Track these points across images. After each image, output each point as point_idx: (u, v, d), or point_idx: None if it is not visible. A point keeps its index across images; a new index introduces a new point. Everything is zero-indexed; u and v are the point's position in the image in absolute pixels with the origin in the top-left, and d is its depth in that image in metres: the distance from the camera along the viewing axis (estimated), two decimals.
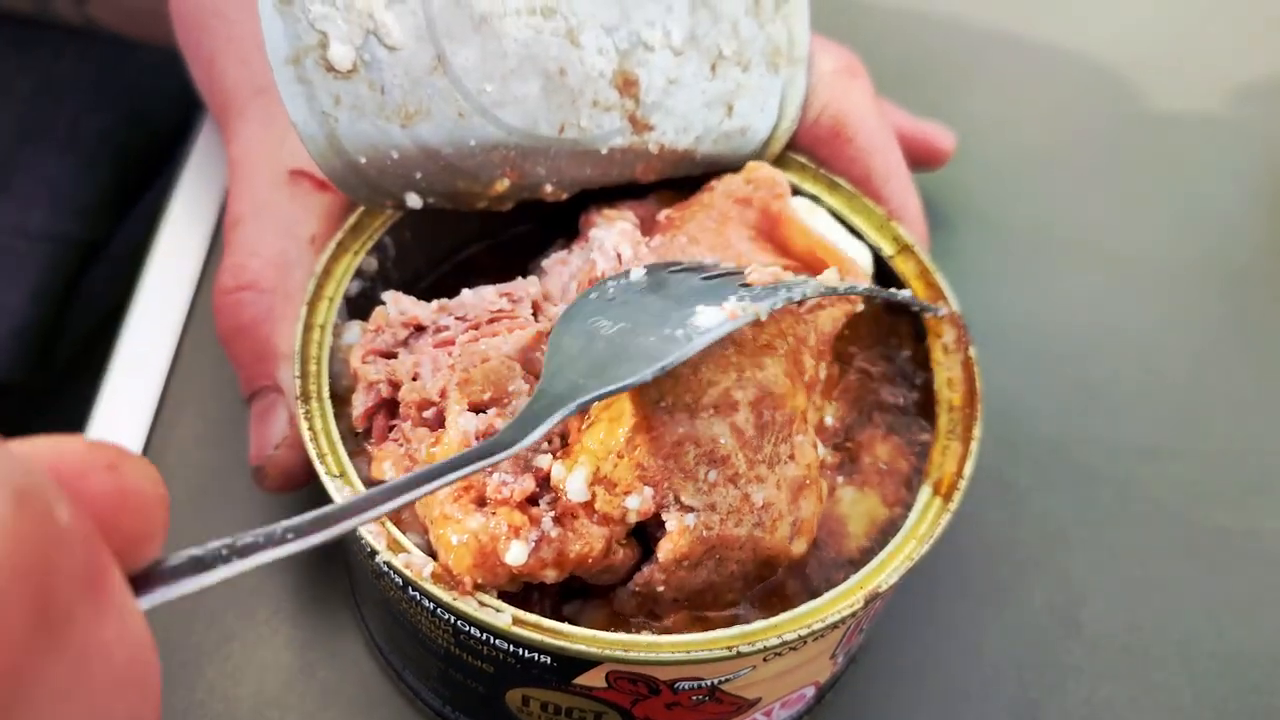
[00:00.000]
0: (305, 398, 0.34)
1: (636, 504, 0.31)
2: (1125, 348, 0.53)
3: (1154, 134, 0.63)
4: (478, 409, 0.32)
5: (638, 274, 0.35)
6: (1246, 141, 0.63)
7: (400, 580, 0.32)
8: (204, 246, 0.54)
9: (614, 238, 0.39)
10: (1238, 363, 0.53)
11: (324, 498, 0.40)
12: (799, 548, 0.33)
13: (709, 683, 0.32)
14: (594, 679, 0.32)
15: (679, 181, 0.42)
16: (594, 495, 0.31)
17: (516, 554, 0.30)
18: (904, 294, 0.38)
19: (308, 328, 0.36)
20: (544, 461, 0.32)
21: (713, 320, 0.31)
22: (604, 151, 0.40)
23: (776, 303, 0.32)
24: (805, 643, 0.32)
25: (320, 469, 0.33)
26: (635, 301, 0.33)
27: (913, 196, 0.43)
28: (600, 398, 0.29)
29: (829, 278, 0.36)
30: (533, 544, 0.30)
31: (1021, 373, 0.51)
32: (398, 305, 0.36)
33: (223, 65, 0.45)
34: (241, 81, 0.44)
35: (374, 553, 0.32)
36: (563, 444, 0.33)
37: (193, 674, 0.40)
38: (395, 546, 0.31)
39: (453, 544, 0.30)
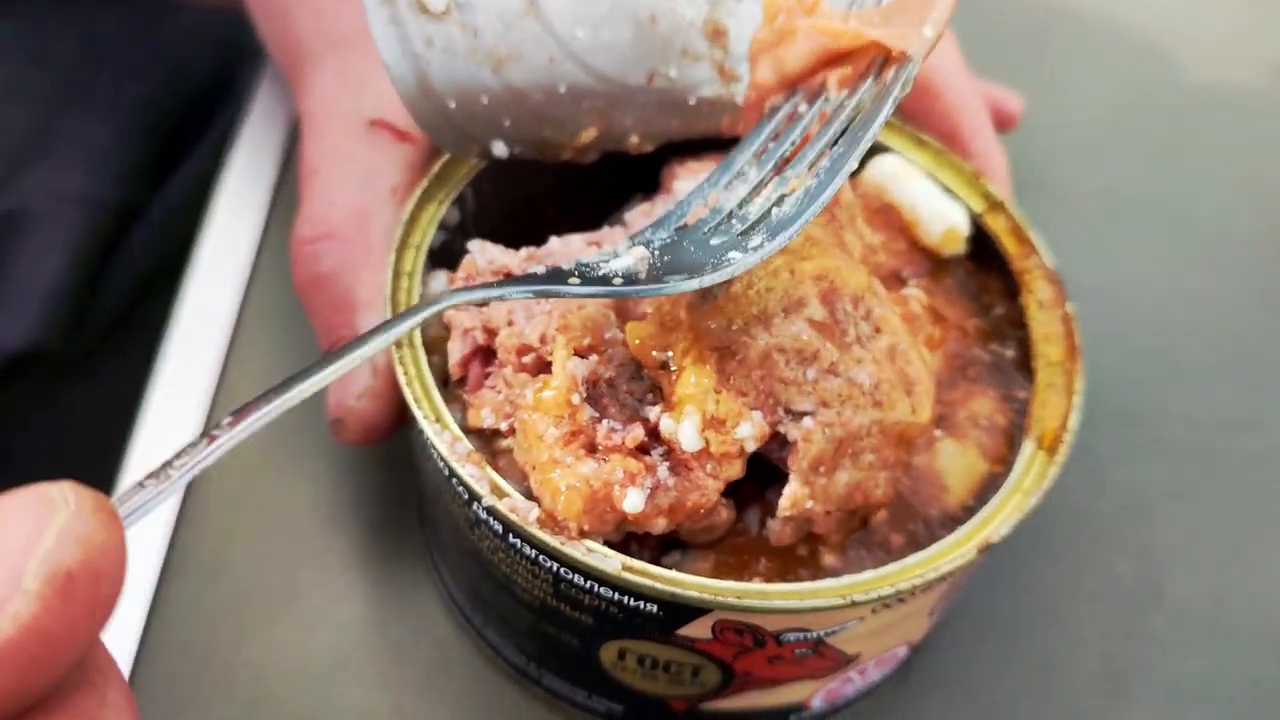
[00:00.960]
0: (398, 344, 0.34)
1: (750, 430, 0.30)
2: (1197, 318, 0.52)
3: (1218, 107, 0.62)
4: (580, 355, 0.32)
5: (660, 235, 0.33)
6: None
7: (500, 527, 0.31)
8: (264, 207, 0.53)
9: None
10: None
11: (400, 448, 0.40)
12: (923, 413, 0.32)
13: (816, 635, 0.31)
14: (699, 629, 0.31)
15: None
16: (707, 441, 0.30)
17: (634, 501, 0.29)
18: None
19: (396, 274, 0.36)
20: (651, 413, 0.31)
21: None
22: (691, 102, 0.39)
23: (800, 224, 0.30)
24: (915, 594, 0.31)
25: (418, 413, 0.32)
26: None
27: (998, 154, 0.42)
28: (641, 294, 0.29)
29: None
30: (648, 491, 0.29)
31: (1095, 341, 0.50)
32: (485, 254, 0.36)
33: (295, 18, 0.44)
34: (315, 34, 0.44)
35: (473, 499, 0.31)
36: (662, 397, 0.32)
37: (265, 628, 0.40)
38: (498, 492, 0.31)
39: (562, 489, 0.29)
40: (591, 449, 0.30)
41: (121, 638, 0.39)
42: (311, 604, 0.41)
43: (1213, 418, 0.49)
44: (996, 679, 0.40)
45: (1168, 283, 0.53)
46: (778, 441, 0.31)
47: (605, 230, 0.38)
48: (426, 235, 0.37)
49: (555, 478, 0.30)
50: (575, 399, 0.30)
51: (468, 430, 0.33)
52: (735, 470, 0.31)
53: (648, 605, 0.30)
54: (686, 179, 0.39)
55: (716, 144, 0.41)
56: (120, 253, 0.78)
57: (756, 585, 0.30)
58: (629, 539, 0.32)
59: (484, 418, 0.33)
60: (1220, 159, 0.59)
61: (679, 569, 0.32)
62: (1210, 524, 0.45)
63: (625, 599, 0.30)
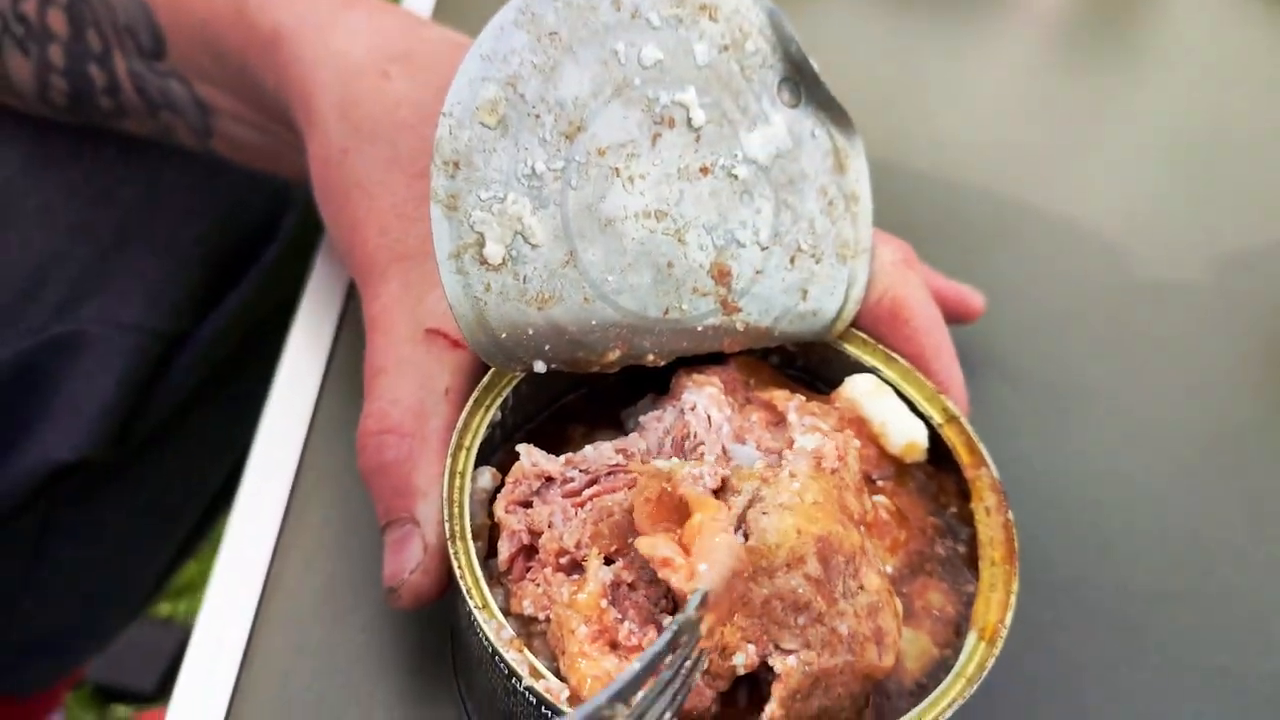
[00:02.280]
0: (452, 538, 0.41)
1: (742, 660, 0.37)
2: (1135, 498, 0.60)
3: (1159, 300, 0.71)
4: (608, 560, 0.39)
5: None
6: (1242, 308, 0.71)
7: (535, 700, 0.38)
8: (314, 393, 0.60)
9: (704, 401, 0.46)
10: (1236, 514, 0.60)
11: (446, 615, 0.46)
12: (888, 660, 0.39)
13: None
14: None
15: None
16: (711, 662, 0.37)
17: None
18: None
19: (451, 475, 0.43)
20: (665, 620, 0.38)
21: None
22: (699, 329, 0.47)
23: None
24: None
25: (471, 603, 0.39)
26: None
27: (957, 372, 0.50)
28: None
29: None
30: None
31: (1041, 518, 0.58)
32: (530, 457, 0.43)
33: (365, 233, 0.52)
34: (382, 248, 0.51)
35: (513, 676, 0.38)
36: (675, 607, 0.39)
37: None
38: (536, 674, 0.38)
39: (588, 678, 0.36)
40: (613, 646, 0.37)
41: None
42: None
43: (1143, 590, 0.56)
44: None
45: (1108, 465, 0.61)
46: (764, 666, 0.38)
47: (630, 437, 0.45)
48: (477, 437, 0.45)
49: (582, 667, 0.37)
50: (604, 603, 0.37)
51: (509, 613, 0.40)
52: (725, 686, 0.38)
53: None
54: (694, 390, 0.47)
55: (718, 358, 0.49)
56: (166, 376, 0.86)
57: None
58: None
59: (525, 606, 0.40)
60: (1157, 351, 0.68)
61: None
62: (1140, 688, 0.52)
63: None
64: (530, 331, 0.44)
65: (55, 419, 0.80)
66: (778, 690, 0.38)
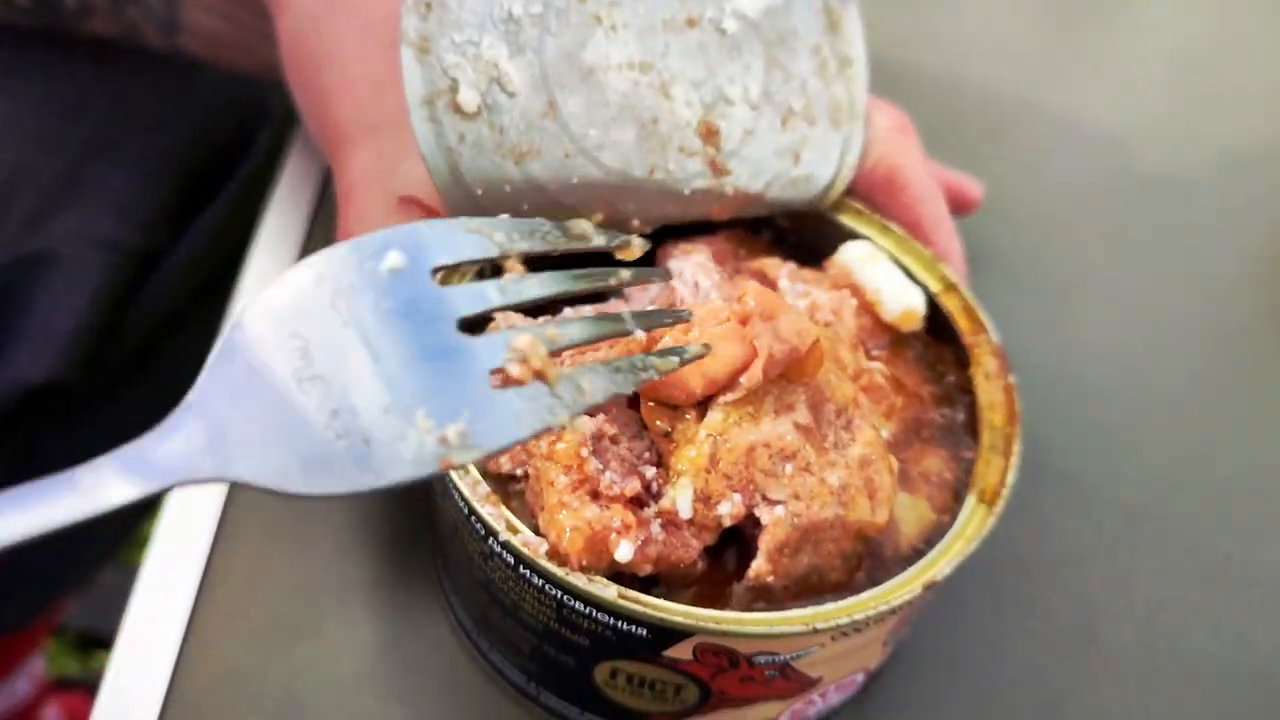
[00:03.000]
0: None
1: (728, 509, 0.35)
2: (1138, 389, 0.58)
3: (1163, 197, 0.69)
4: (589, 413, 0.37)
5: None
6: (1246, 207, 0.69)
7: (513, 560, 0.36)
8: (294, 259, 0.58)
9: (691, 268, 0.44)
10: (1240, 405, 0.58)
11: (414, 493, 0.44)
12: (881, 516, 0.37)
13: (783, 658, 0.36)
14: (683, 651, 0.36)
15: (745, 220, 0.47)
16: (696, 510, 0.35)
17: (624, 551, 0.35)
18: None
19: None
20: (649, 471, 0.36)
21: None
22: (686, 192, 0.45)
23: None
24: (870, 625, 0.36)
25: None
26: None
27: (956, 241, 0.48)
28: None
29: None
30: (639, 544, 0.35)
31: (1041, 409, 0.56)
32: (507, 321, 0.41)
33: (336, 104, 0.50)
34: (354, 118, 0.49)
35: (490, 534, 0.36)
36: (659, 460, 0.38)
37: (292, 648, 0.44)
38: (512, 529, 0.36)
39: (566, 529, 0.35)
40: (595, 496, 0.35)
41: (159, 656, 0.44)
42: (334, 626, 0.45)
43: (1145, 479, 0.54)
44: (945, 706, 0.45)
45: (1111, 358, 0.59)
46: (751, 520, 0.36)
47: (613, 302, 0.43)
48: None
49: (562, 518, 0.35)
50: (584, 452, 0.35)
51: (486, 474, 0.38)
52: (712, 539, 0.36)
53: (639, 629, 0.35)
54: (681, 259, 0.45)
55: (706, 228, 0.47)
56: (141, 296, 0.83)
57: (734, 613, 0.35)
58: (618, 575, 0.38)
59: (503, 463, 0.38)
60: (1167, 244, 0.66)
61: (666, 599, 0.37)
62: (1139, 576, 0.51)
63: (619, 623, 0.35)
64: (508, 188, 0.42)
65: (27, 339, 0.78)
66: (764, 543, 0.36)
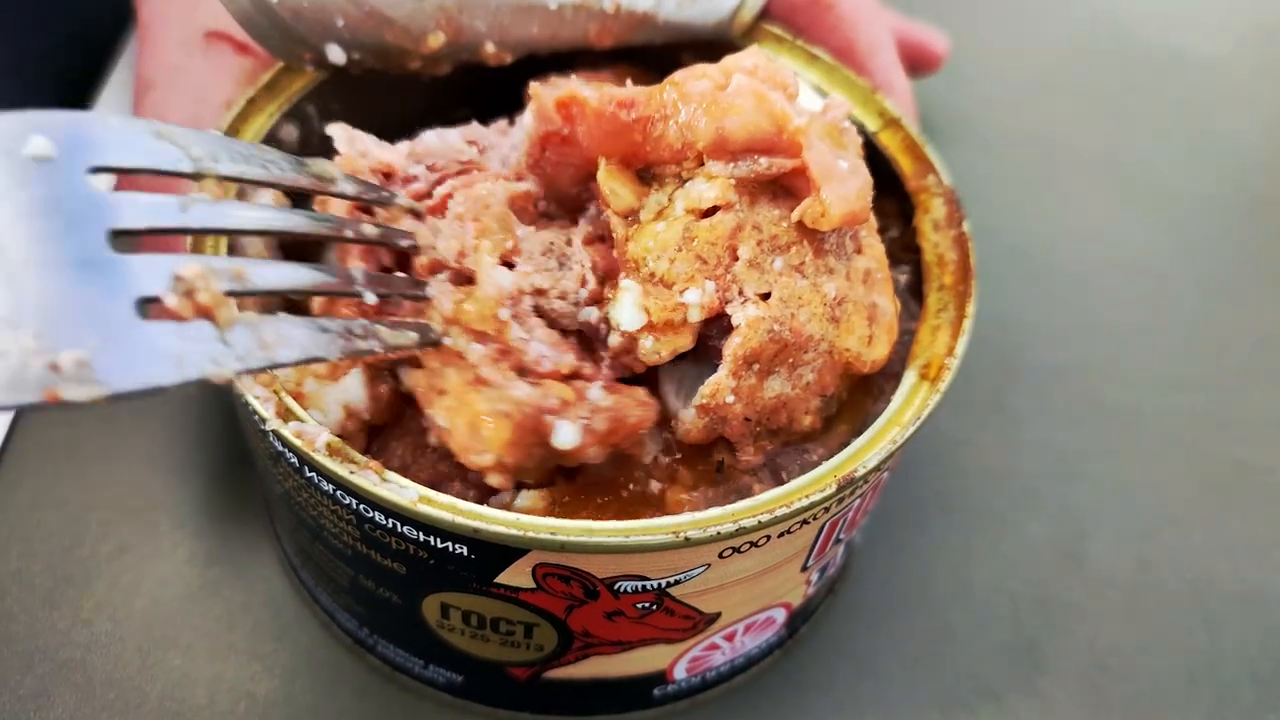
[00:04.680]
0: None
1: (697, 298, 0.27)
2: (1134, 274, 0.49)
3: (1170, 66, 0.59)
4: (507, 263, 0.28)
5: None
6: (1266, 78, 0.59)
7: (296, 460, 0.27)
8: None
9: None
10: (1253, 294, 0.49)
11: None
12: (879, 351, 0.29)
13: (655, 584, 0.27)
14: (519, 576, 0.27)
15: (638, 53, 0.38)
16: (648, 312, 0.27)
17: (566, 435, 0.26)
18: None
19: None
20: (591, 314, 0.28)
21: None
22: (553, 7, 0.35)
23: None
24: (768, 538, 0.27)
25: None
26: None
27: (898, 70, 0.39)
28: None
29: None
30: (581, 424, 0.26)
31: (1021, 296, 0.47)
32: (355, 145, 0.32)
33: None
34: None
35: (262, 422, 0.27)
36: (599, 283, 0.29)
37: (79, 589, 0.36)
38: (286, 415, 0.27)
39: (485, 417, 0.26)
40: (521, 371, 0.27)
41: None
42: (134, 562, 0.37)
43: (1143, 377, 0.45)
44: (894, 650, 0.36)
45: (1100, 239, 0.50)
46: (719, 327, 0.28)
47: (481, 127, 0.34)
48: None
49: (476, 401, 0.26)
50: (503, 314, 0.27)
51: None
52: (684, 341, 0.27)
53: (456, 546, 0.26)
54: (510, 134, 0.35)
55: (583, 59, 0.37)
56: None
57: (576, 522, 0.26)
58: (450, 479, 0.29)
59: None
60: (1166, 116, 0.56)
61: (507, 509, 0.28)
62: (1136, 485, 0.42)
63: (431, 539, 0.26)
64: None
65: None
66: (731, 348, 0.27)
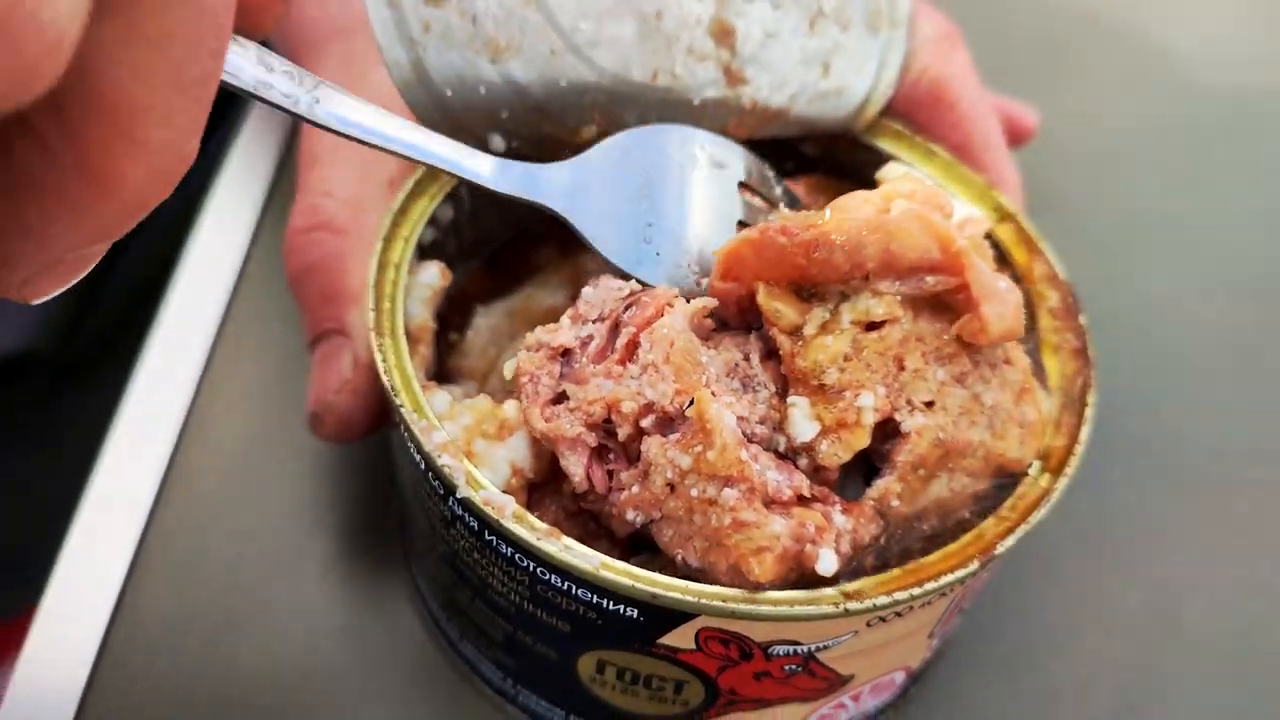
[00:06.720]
0: (379, 332, 0.32)
1: (871, 401, 0.29)
2: (1215, 344, 0.51)
3: (1243, 128, 0.61)
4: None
5: None
6: None
7: (476, 524, 0.30)
8: (259, 203, 0.52)
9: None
10: None
11: (380, 446, 0.38)
12: (1028, 454, 0.32)
13: (806, 649, 0.29)
14: (683, 638, 0.29)
15: (767, 143, 0.40)
16: (820, 420, 0.29)
17: (827, 563, 0.28)
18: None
19: (382, 265, 0.35)
20: (782, 441, 0.31)
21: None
22: (696, 103, 0.38)
23: None
24: (911, 609, 0.29)
25: (395, 400, 0.31)
26: None
27: (1011, 166, 0.41)
28: None
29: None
30: (834, 545, 0.29)
31: (1109, 364, 0.49)
32: (528, 341, 0.33)
33: (300, 5, 0.44)
34: (319, 21, 0.43)
35: (449, 493, 0.30)
36: (775, 394, 0.31)
37: (233, 635, 0.38)
38: (474, 484, 0.29)
39: (752, 556, 0.28)
40: (767, 503, 0.29)
41: (84, 639, 0.38)
42: (283, 611, 0.39)
43: (1232, 446, 0.47)
44: (1001, 712, 0.38)
45: (1186, 306, 0.52)
46: (887, 432, 0.30)
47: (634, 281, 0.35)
48: (417, 228, 0.36)
49: (738, 543, 0.28)
50: (744, 455, 0.28)
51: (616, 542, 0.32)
52: (860, 440, 0.29)
53: (628, 609, 0.29)
54: None
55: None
56: (119, 260, 0.78)
57: (744, 591, 0.28)
58: (597, 536, 0.31)
59: (632, 518, 0.30)
60: (1245, 181, 0.58)
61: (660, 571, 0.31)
62: (1229, 554, 0.43)
63: (604, 602, 0.29)
64: (482, 90, 0.35)
65: (1, 309, 0.74)
66: (901, 454, 0.30)
